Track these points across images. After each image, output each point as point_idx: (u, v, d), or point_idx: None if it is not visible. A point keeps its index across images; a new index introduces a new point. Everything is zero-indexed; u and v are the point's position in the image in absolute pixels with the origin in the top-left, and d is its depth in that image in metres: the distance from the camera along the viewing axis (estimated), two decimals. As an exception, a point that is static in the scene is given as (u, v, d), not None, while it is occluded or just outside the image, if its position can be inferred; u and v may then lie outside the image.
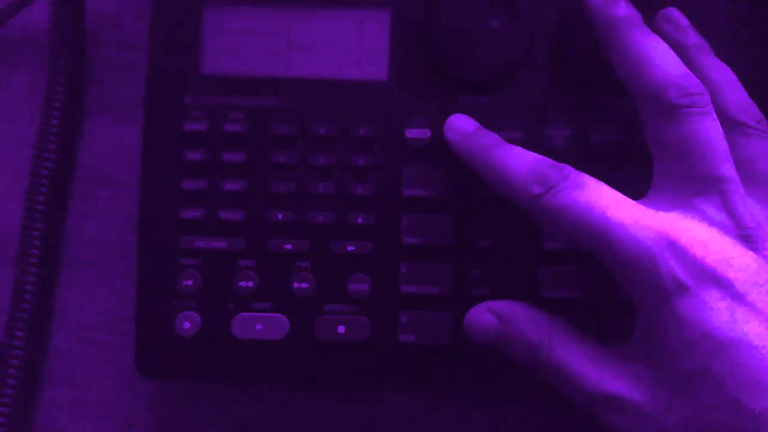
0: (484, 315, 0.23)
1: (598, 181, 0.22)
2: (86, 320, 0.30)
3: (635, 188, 0.26)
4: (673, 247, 0.20)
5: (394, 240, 0.26)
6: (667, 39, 0.25)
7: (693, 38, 0.25)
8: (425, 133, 0.27)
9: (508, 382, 0.27)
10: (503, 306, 0.23)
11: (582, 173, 0.22)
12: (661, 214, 0.21)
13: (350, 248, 0.26)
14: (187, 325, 0.26)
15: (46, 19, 0.30)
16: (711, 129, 0.21)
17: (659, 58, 0.22)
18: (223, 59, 0.27)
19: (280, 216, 0.26)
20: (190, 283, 0.26)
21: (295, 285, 0.26)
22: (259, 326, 0.26)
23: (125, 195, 0.30)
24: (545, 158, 0.23)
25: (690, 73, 0.22)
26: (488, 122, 0.26)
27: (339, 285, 0.26)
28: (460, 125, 0.26)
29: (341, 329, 0.26)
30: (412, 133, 0.27)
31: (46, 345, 0.30)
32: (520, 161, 0.23)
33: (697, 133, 0.21)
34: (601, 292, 0.26)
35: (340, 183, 0.26)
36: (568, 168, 0.22)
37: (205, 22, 0.27)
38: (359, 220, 0.26)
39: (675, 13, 0.26)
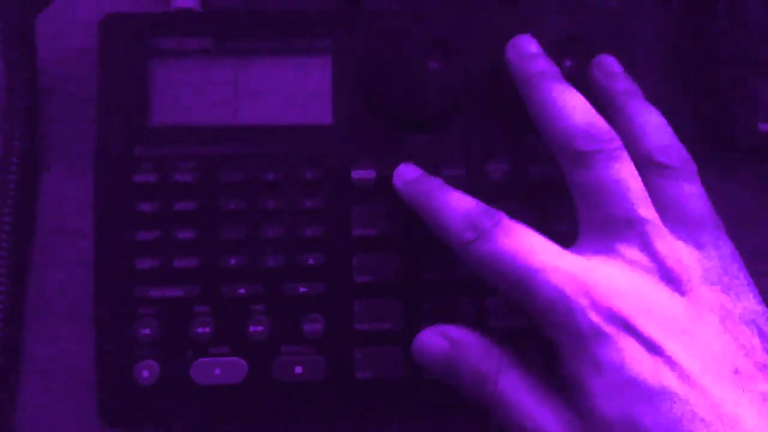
0: (435, 338, 0.23)
1: (529, 228, 0.22)
2: (51, 370, 0.30)
3: (571, 219, 0.27)
4: (590, 294, 0.20)
5: (346, 279, 0.27)
6: (597, 85, 0.26)
7: (622, 84, 0.26)
8: (370, 174, 0.27)
9: (465, 412, 0.28)
10: (455, 331, 0.23)
11: (514, 221, 0.22)
12: (583, 260, 0.21)
13: (303, 289, 0.27)
14: (146, 373, 0.27)
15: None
16: (622, 171, 0.22)
17: (568, 108, 0.23)
18: (171, 110, 0.28)
19: (232, 261, 0.27)
20: (147, 331, 0.27)
21: (251, 328, 0.27)
22: (217, 371, 0.27)
23: (83, 244, 0.31)
24: (481, 204, 0.23)
25: (599, 120, 0.23)
26: (431, 160, 0.27)
27: (294, 326, 0.27)
28: (405, 173, 0.26)
29: (298, 370, 0.27)
30: (358, 174, 0.27)
31: (13, 395, 0.30)
32: (457, 206, 0.23)
33: (608, 176, 0.22)
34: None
35: (290, 226, 0.27)
36: (500, 215, 0.22)
37: (152, 75, 0.28)
38: (311, 262, 0.27)
39: (607, 60, 0.26)
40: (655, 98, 0.26)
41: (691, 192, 0.23)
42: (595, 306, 0.20)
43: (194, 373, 0.27)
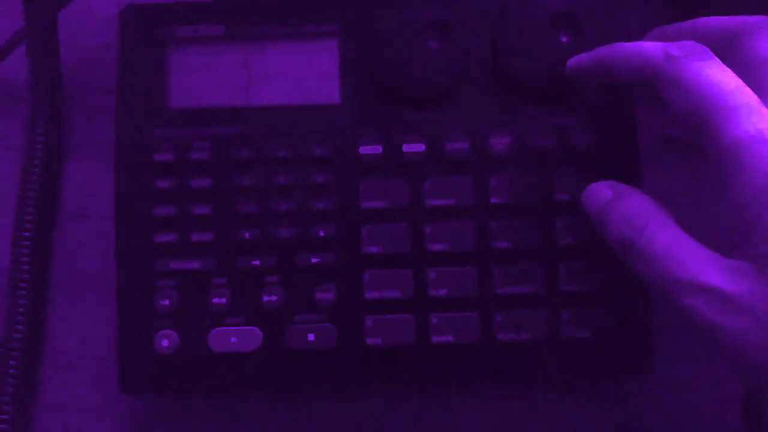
0: (602, 186, 0.24)
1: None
2: (73, 348, 0.32)
3: (575, 187, 0.28)
4: None
5: (356, 250, 0.28)
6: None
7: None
8: (377, 149, 0.29)
9: (473, 380, 0.29)
10: (620, 184, 0.24)
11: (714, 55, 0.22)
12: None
13: (315, 260, 0.28)
14: (165, 342, 0.28)
15: (24, 69, 0.33)
16: None
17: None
18: (187, 94, 0.29)
19: (247, 235, 0.28)
20: (166, 303, 0.28)
21: (265, 298, 0.28)
22: (233, 339, 0.28)
23: (103, 228, 0.32)
24: None
25: None
26: (435, 135, 0.29)
27: (306, 295, 0.28)
28: (577, 57, 0.27)
29: (311, 337, 0.28)
30: (365, 149, 0.29)
31: (37, 373, 0.32)
32: (644, 44, 0.24)
33: None
34: (548, 286, 0.28)
35: (301, 200, 0.28)
36: (699, 45, 0.23)
37: (169, 61, 0.29)
38: (321, 234, 0.28)
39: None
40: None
41: None
42: None
43: (211, 342, 0.28)
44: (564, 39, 0.29)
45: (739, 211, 0.21)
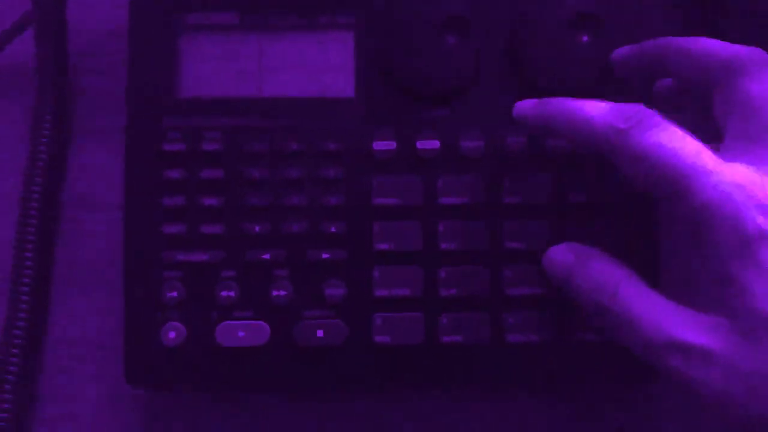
0: (562, 252, 0.25)
1: (679, 126, 0.22)
2: (77, 338, 0.31)
3: (590, 189, 0.28)
4: (756, 196, 0.21)
5: (367, 246, 0.28)
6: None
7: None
8: (391, 145, 0.28)
9: (481, 381, 0.28)
10: (581, 247, 0.25)
11: (662, 116, 0.23)
12: (741, 165, 0.22)
13: (325, 255, 0.28)
14: (172, 335, 0.27)
15: (31, 52, 0.32)
16: None
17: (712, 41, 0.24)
18: (198, 83, 0.29)
19: (257, 228, 0.28)
20: (174, 294, 0.28)
21: (274, 293, 0.28)
22: (241, 333, 0.28)
23: (111, 216, 0.32)
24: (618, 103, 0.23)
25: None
26: (450, 132, 0.28)
27: (316, 291, 0.28)
28: (524, 103, 0.26)
29: (319, 333, 0.28)
30: (379, 145, 0.28)
31: (40, 362, 0.31)
32: (597, 105, 0.24)
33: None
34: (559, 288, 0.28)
35: (313, 195, 0.28)
36: (654, 111, 0.23)
37: (182, 49, 0.29)
38: (333, 229, 0.28)
39: None
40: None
41: None
42: (761, 207, 0.20)
43: (219, 335, 0.27)
44: (584, 39, 0.28)
45: (713, 269, 0.21)
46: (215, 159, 0.28)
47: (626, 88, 0.29)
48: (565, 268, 0.24)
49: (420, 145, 0.28)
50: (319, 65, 0.29)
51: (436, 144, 0.28)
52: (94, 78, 0.34)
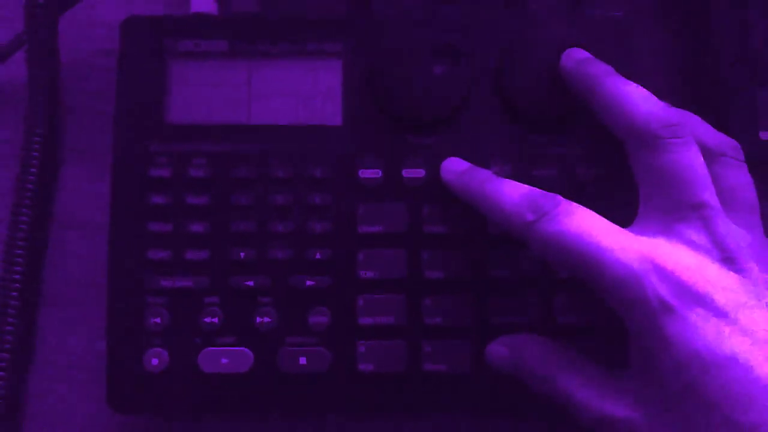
0: (497, 347, 0.26)
1: (587, 209, 0.23)
2: (62, 359, 0.31)
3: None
4: (659, 270, 0.21)
5: (351, 274, 0.28)
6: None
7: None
8: (377, 173, 0.28)
9: (464, 410, 0.28)
10: (515, 340, 0.26)
11: (572, 202, 0.23)
12: (647, 239, 0.22)
13: (309, 283, 0.28)
14: (155, 361, 0.27)
15: (24, 73, 0.32)
16: (692, 158, 0.23)
17: (641, 97, 0.24)
18: (187, 109, 0.29)
19: (242, 254, 0.28)
20: (157, 320, 0.28)
21: (258, 320, 0.28)
22: (224, 360, 0.28)
23: (98, 238, 0.32)
24: (536, 189, 0.24)
25: (669, 106, 0.24)
26: (437, 161, 0.28)
27: (299, 318, 0.28)
28: (454, 165, 0.28)
29: (303, 360, 0.28)
30: (365, 173, 0.28)
31: (26, 384, 0.31)
32: (512, 191, 0.24)
33: (679, 161, 0.23)
34: (542, 317, 0.28)
35: (299, 222, 0.28)
36: (559, 197, 0.23)
37: (171, 75, 0.29)
38: (317, 256, 0.28)
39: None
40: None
41: (743, 180, 0.25)
42: (663, 281, 0.21)
43: (202, 362, 0.27)
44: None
45: (631, 343, 0.23)
46: (201, 185, 0.28)
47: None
48: (505, 364, 0.26)
49: (406, 173, 0.28)
50: (307, 92, 0.29)
51: (421, 173, 0.28)
52: (86, 98, 0.34)
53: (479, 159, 0.28)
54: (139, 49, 0.29)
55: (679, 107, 0.29)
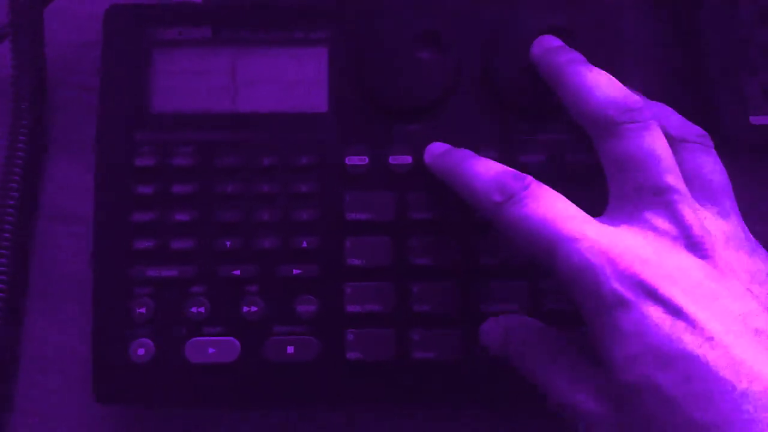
0: (491, 325, 0.26)
1: (557, 194, 0.23)
2: (49, 352, 0.31)
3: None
4: (614, 262, 0.20)
5: (339, 262, 0.28)
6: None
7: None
8: (363, 160, 0.28)
9: (453, 398, 0.28)
10: (507, 320, 0.26)
11: (543, 185, 0.23)
12: (609, 228, 0.22)
13: (296, 271, 0.28)
14: (141, 351, 0.27)
15: (8, 65, 0.32)
16: (654, 141, 0.22)
17: (601, 84, 0.23)
18: (171, 97, 0.29)
19: (228, 243, 0.28)
20: (143, 311, 0.27)
21: (245, 309, 0.27)
22: (211, 350, 0.27)
23: (84, 230, 0.32)
24: (510, 169, 0.24)
25: (631, 93, 0.23)
26: (422, 148, 0.28)
27: (287, 307, 0.28)
28: (434, 148, 0.28)
29: (290, 350, 0.27)
30: (351, 160, 0.28)
31: (14, 378, 0.31)
32: (485, 171, 0.24)
33: (640, 146, 0.22)
34: (533, 304, 0.28)
35: (285, 210, 0.28)
36: (530, 179, 0.23)
37: (155, 63, 0.29)
38: (304, 245, 0.28)
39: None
40: (644, 94, 0.27)
41: (709, 162, 0.24)
42: (619, 274, 0.20)
43: (188, 352, 0.27)
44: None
45: (588, 333, 0.22)
46: (187, 174, 0.28)
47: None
48: (495, 345, 0.26)
49: (393, 160, 0.28)
50: (292, 80, 0.29)
51: (408, 159, 0.28)
52: (71, 91, 0.34)
53: (466, 145, 0.28)
54: (123, 38, 0.29)
55: (668, 95, 0.29)
